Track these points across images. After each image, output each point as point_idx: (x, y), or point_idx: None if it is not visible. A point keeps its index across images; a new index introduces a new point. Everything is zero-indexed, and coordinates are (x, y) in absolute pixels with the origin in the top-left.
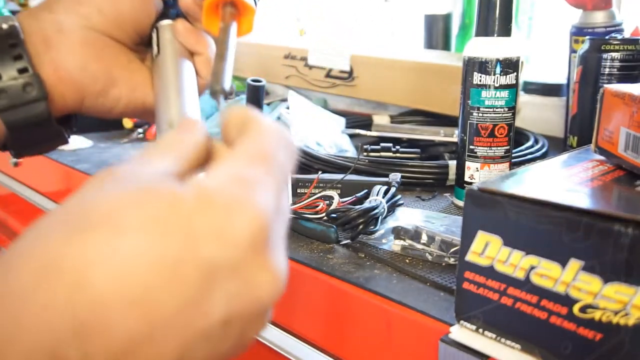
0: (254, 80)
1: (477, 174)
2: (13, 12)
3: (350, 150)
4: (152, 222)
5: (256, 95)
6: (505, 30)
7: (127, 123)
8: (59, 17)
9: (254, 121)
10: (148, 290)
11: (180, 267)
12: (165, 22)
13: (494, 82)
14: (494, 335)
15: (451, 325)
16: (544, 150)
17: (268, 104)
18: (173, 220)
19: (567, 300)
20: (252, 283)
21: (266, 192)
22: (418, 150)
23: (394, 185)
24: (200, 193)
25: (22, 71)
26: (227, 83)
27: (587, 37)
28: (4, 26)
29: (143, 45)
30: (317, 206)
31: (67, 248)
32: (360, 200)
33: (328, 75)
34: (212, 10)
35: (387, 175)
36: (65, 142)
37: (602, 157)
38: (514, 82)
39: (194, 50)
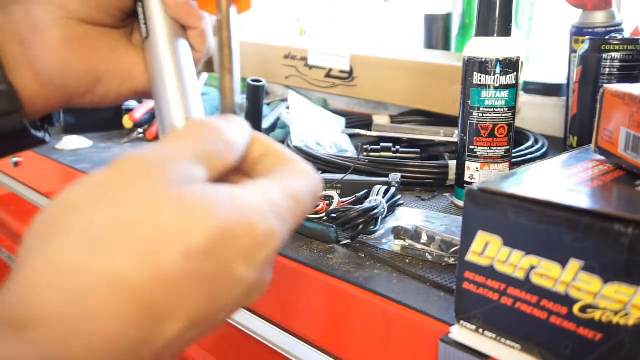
0: (254, 80)
1: (477, 174)
2: None
3: (350, 150)
4: (210, 241)
5: (256, 95)
6: (505, 30)
7: (127, 123)
8: (32, 10)
9: (301, 162)
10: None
11: (219, 279)
12: None
13: (494, 82)
14: (494, 335)
15: (451, 325)
16: (544, 150)
17: (268, 104)
18: (222, 241)
19: (567, 300)
20: (249, 300)
21: (288, 231)
22: (418, 150)
23: (394, 185)
24: (245, 216)
25: None
26: (238, 99)
27: (587, 37)
28: None
29: (128, 19)
30: (317, 206)
31: (132, 265)
32: (360, 200)
33: (328, 75)
34: None
35: (387, 175)
36: (44, 144)
37: (602, 157)
38: (514, 82)
39: (186, 24)
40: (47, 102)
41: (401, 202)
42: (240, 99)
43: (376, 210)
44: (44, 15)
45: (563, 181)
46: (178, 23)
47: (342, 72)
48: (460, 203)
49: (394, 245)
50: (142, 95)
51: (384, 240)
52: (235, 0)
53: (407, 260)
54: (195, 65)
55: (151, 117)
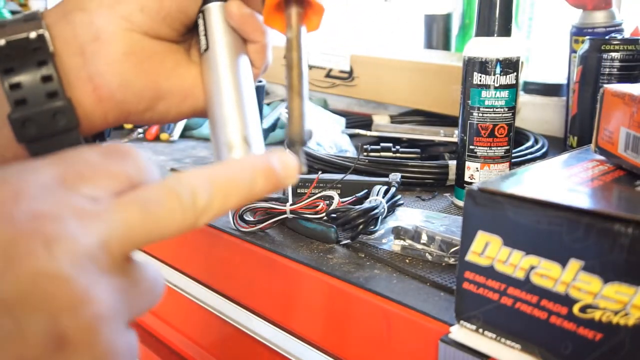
0: None
1: (477, 174)
2: (15, 13)
3: (350, 150)
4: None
5: (256, 96)
6: (505, 30)
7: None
8: (95, 20)
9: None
10: None
11: None
12: (213, 5)
13: (494, 82)
14: (494, 336)
15: (451, 325)
16: (544, 150)
17: (268, 104)
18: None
19: (567, 300)
20: None
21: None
22: (418, 150)
23: (394, 185)
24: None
25: (51, 95)
26: (308, 126)
27: (587, 37)
28: (32, 36)
29: (187, 33)
30: (317, 206)
31: None
32: (360, 200)
33: (328, 75)
34: (274, 8)
35: (387, 175)
36: None
37: (602, 157)
38: (514, 82)
39: (249, 38)
40: (104, 118)
41: (401, 202)
42: (310, 129)
43: (376, 210)
44: (108, 27)
45: (563, 181)
46: (239, 36)
47: (342, 72)
48: (460, 203)
49: (394, 245)
50: (202, 114)
51: (384, 240)
52: (306, 19)
53: (407, 260)
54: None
55: None
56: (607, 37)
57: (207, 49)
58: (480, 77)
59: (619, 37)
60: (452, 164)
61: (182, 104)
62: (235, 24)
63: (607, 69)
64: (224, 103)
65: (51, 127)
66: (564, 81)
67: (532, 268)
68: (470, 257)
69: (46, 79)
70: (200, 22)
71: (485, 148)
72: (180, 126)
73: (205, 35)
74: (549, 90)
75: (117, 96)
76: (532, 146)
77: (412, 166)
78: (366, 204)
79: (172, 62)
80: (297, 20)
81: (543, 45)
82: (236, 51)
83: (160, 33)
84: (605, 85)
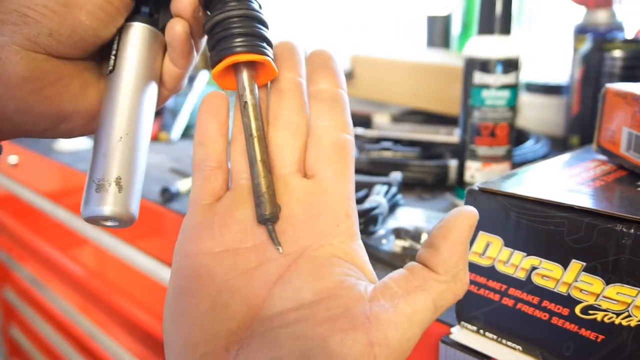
0: None
1: (478, 174)
2: None
3: None
4: None
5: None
6: (507, 29)
7: None
8: None
9: None
10: None
11: None
12: (136, 25)
13: (495, 81)
14: (495, 336)
15: (452, 326)
16: (545, 150)
17: None
18: None
19: (568, 301)
20: None
21: None
22: (418, 149)
23: (394, 185)
24: None
25: None
26: (278, 203)
27: (590, 36)
28: None
29: (102, 47)
30: None
31: None
32: (361, 200)
33: None
34: (224, 68)
35: (387, 175)
36: None
37: (603, 157)
38: (515, 81)
39: (176, 62)
40: None
41: (402, 202)
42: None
43: (377, 210)
44: (9, 47)
45: (564, 181)
46: (154, 63)
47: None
48: (461, 203)
49: (395, 245)
50: None
51: (384, 241)
52: (257, 77)
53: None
54: (161, 103)
55: None
56: (609, 36)
57: (112, 70)
58: (481, 76)
59: (622, 36)
60: (453, 163)
61: (87, 126)
62: (173, 44)
63: (609, 68)
64: (109, 136)
65: None
66: (565, 80)
67: (533, 269)
68: (471, 257)
69: None
70: (116, 39)
71: (486, 148)
72: (180, 126)
73: (116, 55)
74: (550, 89)
75: (14, 118)
76: (533, 146)
77: (413, 166)
78: (366, 204)
79: (79, 83)
80: (251, 82)
81: (544, 45)
82: (144, 80)
83: (69, 55)
84: (607, 85)
